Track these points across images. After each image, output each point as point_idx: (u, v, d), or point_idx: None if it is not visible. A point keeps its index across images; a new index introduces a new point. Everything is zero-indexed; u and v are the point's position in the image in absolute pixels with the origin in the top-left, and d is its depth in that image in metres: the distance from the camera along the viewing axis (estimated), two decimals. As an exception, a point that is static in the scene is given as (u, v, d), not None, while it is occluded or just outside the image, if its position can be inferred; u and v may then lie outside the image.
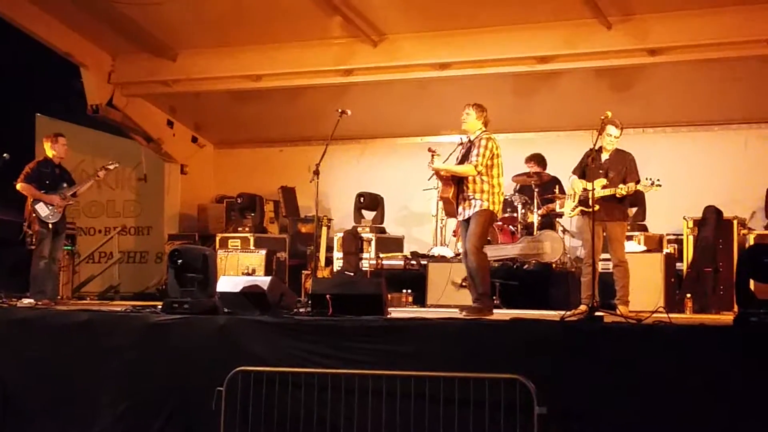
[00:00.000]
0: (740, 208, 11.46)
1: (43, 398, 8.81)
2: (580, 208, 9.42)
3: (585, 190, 9.32)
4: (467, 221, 9.23)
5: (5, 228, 12.35)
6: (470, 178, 9.18)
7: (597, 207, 9.12)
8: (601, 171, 9.37)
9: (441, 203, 9.91)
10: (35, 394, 8.86)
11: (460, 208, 9.29)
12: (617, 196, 9.22)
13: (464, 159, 9.34)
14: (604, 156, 9.46)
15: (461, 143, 12.91)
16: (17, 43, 13.39)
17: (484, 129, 9.33)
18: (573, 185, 9.56)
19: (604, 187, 9.24)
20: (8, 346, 9.08)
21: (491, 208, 9.16)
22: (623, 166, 9.38)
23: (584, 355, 7.19)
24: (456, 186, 9.31)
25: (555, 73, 12.69)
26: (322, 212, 12.72)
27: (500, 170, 9.26)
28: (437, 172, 9.51)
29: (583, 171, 9.49)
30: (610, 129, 9.33)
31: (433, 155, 9.60)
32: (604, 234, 9.40)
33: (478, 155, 9.13)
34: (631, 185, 9.22)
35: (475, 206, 9.15)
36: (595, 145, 8.94)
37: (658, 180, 9.13)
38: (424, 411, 7.20)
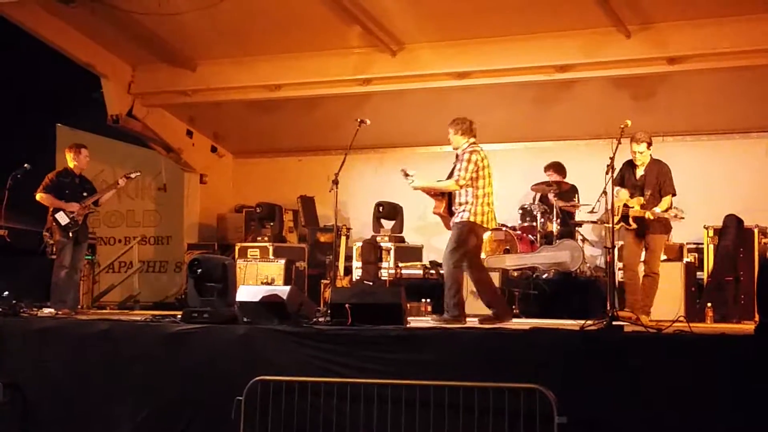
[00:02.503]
0: (761, 216, 11.37)
1: (63, 407, 8.85)
2: (621, 224, 9.43)
3: (625, 206, 9.37)
4: None
5: (26, 238, 12.41)
6: (456, 192, 9.36)
7: (635, 225, 9.32)
8: (637, 186, 9.45)
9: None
10: (55, 403, 8.90)
11: (452, 222, 9.47)
12: (647, 219, 9.26)
13: (451, 174, 9.51)
14: (639, 171, 9.51)
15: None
16: (38, 54, 13.47)
17: (471, 141, 9.49)
18: (619, 198, 9.45)
19: (641, 206, 9.31)
20: (29, 355, 9.12)
21: (471, 219, 9.30)
22: (657, 180, 9.42)
23: (604, 365, 7.17)
24: (447, 200, 9.50)
25: (574, 81, 12.65)
26: (341, 221, 12.73)
27: (487, 181, 9.42)
28: (424, 191, 9.61)
29: (623, 184, 9.53)
30: (634, 146, 9.40)
31: (406, 176, 9.65)
32: (645, 246, 9.52)
33: (459, 169, 9.33)
34: (664, 203, 9.29)
35: (456, 217, 9.37)
36: (614, 154, 8.91)
37: (682, 212, 9.30)
38: (443, 421, 7.19)
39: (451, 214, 9.50)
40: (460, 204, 9.36)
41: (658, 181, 9.40)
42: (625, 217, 9.36)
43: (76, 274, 11.23)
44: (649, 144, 9.45)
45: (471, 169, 9.30)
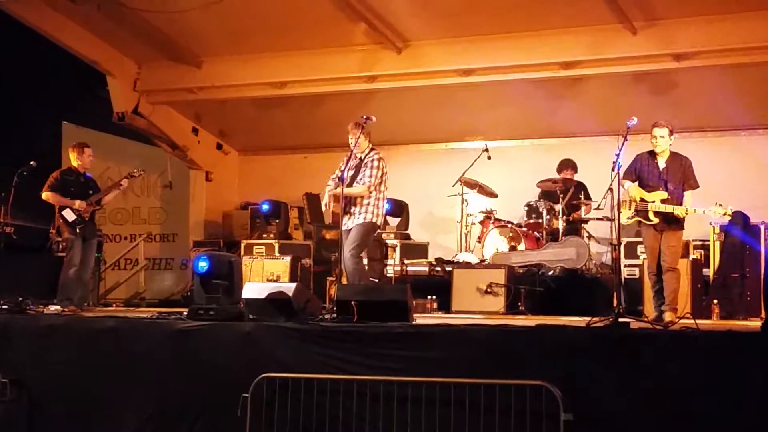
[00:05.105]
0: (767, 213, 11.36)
1: (69, 404, 8.86)
2: (637, 218, 9.24)
3: (643, 201, 9.17)
4: (350, 231, 9.80)
5: (32, 235, 12.41)
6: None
7: (657, 220, 9.12)
8: (660, 180, 9.24)
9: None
10: (61, 399, 8.91)
11: (345, 218, 9.84)
12: (675, 215, 9.10)
13: (355, 176, 9.92)
14: (661, 163, 9.27)
15: (485, 149, 13.02)
16: (44, 52, 13.48)
17: (371, 146, 9.96)
18: (630, 193, 9.28)
19: (663, 201, 9.12)
20: (35, 352, 9.13)
21: (374, 220, 9.82)
22: (681, 173, 9.25)
23: (610, 362, 7.17)
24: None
25: (580, 78, 12.64)
26: (347, 219, 12.71)
27: (384, 185, 9.99)
28: (336, 197, 9.97)
29: (639, 177, 9.32)
30: (655, 131, 9.17)
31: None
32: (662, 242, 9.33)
33: (370, 176, 9.85)
34: (688, 198, 9.16)
35: (359, 218, 9.79)
36: (620, 151, 8.85)
37: (731, 207, 9.15)
38: (449, 417, 7.20)
39: (345, 213, 9.87)
40: (362, 206, 9.82)
41: (682, 176, 9.24)
42: (640, 212, 9.23)
43: (85, 273, 11.17)
44: (671, 132, 9.22)
45: (379, 175, 9.86)
